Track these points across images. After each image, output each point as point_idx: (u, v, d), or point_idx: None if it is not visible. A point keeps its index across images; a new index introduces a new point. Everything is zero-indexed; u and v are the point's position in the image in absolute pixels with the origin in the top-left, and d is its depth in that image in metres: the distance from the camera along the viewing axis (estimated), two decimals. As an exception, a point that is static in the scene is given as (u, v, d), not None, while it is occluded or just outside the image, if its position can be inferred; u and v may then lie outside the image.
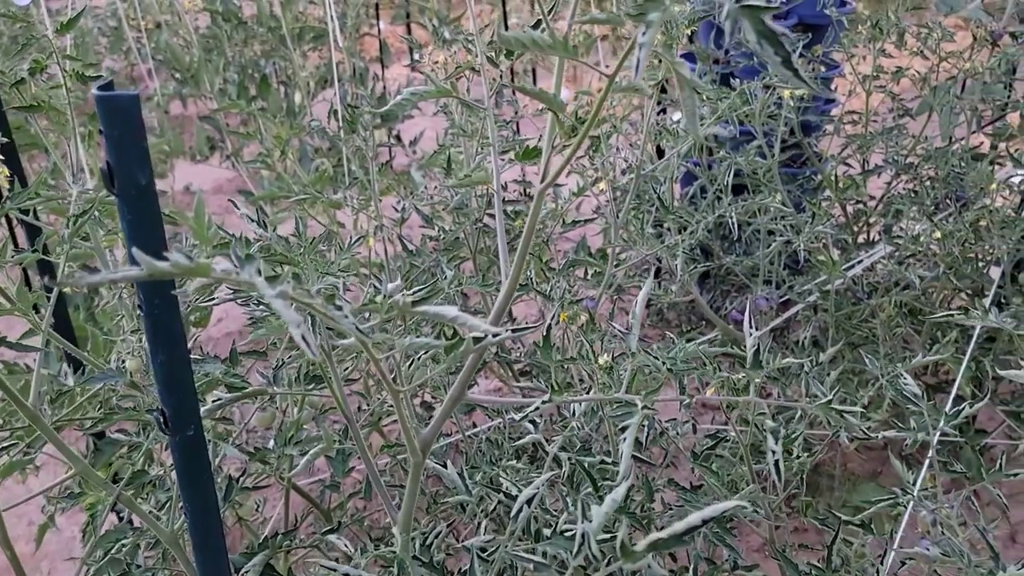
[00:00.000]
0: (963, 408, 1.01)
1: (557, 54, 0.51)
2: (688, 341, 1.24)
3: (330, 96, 3.61)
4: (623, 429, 0.59)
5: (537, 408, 0.66)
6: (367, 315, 0.62)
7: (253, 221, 0.87)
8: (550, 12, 0.68)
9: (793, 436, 0.81)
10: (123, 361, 0.99)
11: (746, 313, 0.93)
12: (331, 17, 1.54)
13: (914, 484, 1.16)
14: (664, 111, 2.44)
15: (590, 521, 0.53)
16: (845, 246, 2.04)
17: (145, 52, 3.46)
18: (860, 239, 2.12)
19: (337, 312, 0.48)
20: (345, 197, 1.42)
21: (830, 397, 0.66)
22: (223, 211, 3.52)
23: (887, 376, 1.08)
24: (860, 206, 2.06)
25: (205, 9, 2.69)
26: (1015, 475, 0.99)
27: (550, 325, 0.66)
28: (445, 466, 0.81)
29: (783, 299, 1.64)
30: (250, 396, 0.79)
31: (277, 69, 3.66)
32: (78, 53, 1.96)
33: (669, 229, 1.53)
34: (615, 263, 1.33)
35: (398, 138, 2.92)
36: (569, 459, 0.79)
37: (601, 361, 0.84)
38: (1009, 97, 2.21)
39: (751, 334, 0.68)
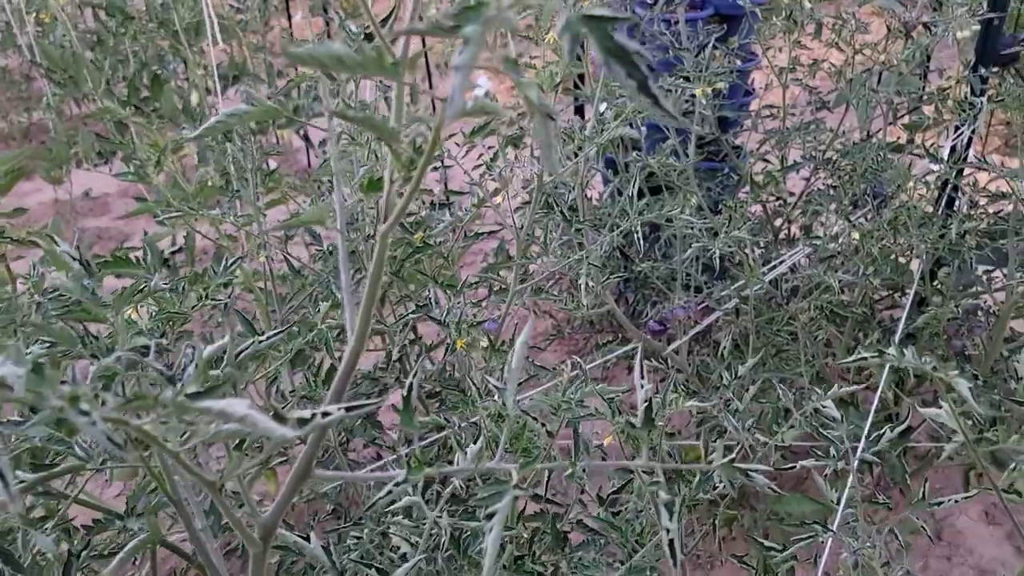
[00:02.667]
0: (883, 432, 0.95)
1: (369, 74, 0.41)
2: (605, 352, 1.14)
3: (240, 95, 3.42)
4: (490, 516, 0.49)
5: (399, 484, 0.56)
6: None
7: (75, 260, 0.74)
8: (388, 18, 0.57)
9: (694, 498, 0.73)
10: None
11: (679, 315, 0.85)
12: (207, 6, 1.40)
13: (838, 502, 1.11)
14: (580, 109, 2.36)
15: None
16: (766, 245, 1.99)
17: (39, 50, 3.22)
18: (782, 235, 2.08)
19: (81, 418, 0.36)
20: (224, 211, 1.29)
21: (730, 457, 0.58)
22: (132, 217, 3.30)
23: (803, 411, 1.01)
24: (780, 203, 2.02)
25: (84, 3, 2.48)
26: (938, 504, 0.94)
27: (411, 387, 0.56)
28: (307, 536, 0.70)
29: (703, 304, 1.57)
30: (60, 474, 0.67)
31: (179, 68, 3.45)
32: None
33: (591, 232, 1.44)
34: (521, 278, 1.24)
35: (306, 139, 2.77)
36: (451, 523, 0.70)
37: (491, 408, 0.74)
38: (923, 89, 2.20)
39: (642, 386, 0.59)
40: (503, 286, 1.25)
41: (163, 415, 0.40)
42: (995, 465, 1.54)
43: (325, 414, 0.48)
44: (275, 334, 0.73)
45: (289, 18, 4.03)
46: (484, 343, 1.08)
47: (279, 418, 0.46)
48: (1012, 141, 3.55)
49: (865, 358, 0.62)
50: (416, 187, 0.48)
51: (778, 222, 2.04)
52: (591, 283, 1.39)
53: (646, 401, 0.56)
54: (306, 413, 0.48)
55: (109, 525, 0.80)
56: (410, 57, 0.48)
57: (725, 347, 1.45)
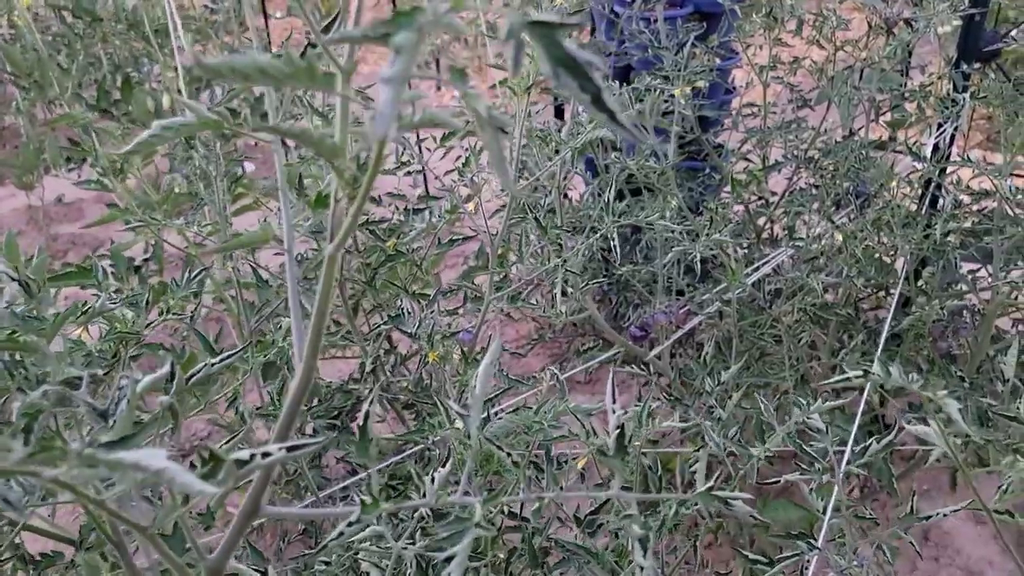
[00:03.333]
0: (869, 445, 0.93)
1: (300, 86, 0.37)
2: (586, 359, 1.11)
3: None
4: (448, 560, 0.46)
5: (352, 525, 0.52)
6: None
7: (14, 280, 0.69)
8: (331, 23, 0.53)
9: (669, 522, 0.69)
10: None
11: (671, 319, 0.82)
12: (170, 6, 1.35)
13: (824, 511, 1.08)
14: (560, 109, 2.32)
15: None
16: (749, 245, 1.96)
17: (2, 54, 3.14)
18: (764, 235, 2.05)
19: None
20: (188, 220, 1.24)
21: (708, 485, 0.54)
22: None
23: (786, 427, 0.98)
24: (762, 203, 1.99)
25: (50, 4, 2.41)
26: (926, 518, 0.91)
27: (367, 414, 0.52)
28: (264, 571, 0.66)
29: (685, 308, 1.54)
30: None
31: (155, 70, 3.37)
32: None
33: (568, 236, 1.41)
34: (497, 286, 1.20)
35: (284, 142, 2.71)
36: (417, 552, 0.66)
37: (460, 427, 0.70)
38: (904, 85, 2.18)
39: (613, 411, 0.55)
40: (478, 294, 1.22)
41: (74, 465, 0.36)
42: (981, 464, 1.52)
43: (265, 455, 0.44)
44: (228, 356, 0.69)
45: (266, 18, 3.96)
46: (458, 355, 1.05)
47: (212, 460, 0.43)
48: (994, 136, 3.55)
49: (849, 377, 0.59)
50: (361, 206, 0.45)
51: (761, 221, 2.01)
52: (570, 289, 1.36)
53: (618, 428, 0.53)
54: (245, 454, 0.44)
55: (57, 560, 0.76)
56: (354, 63, 0.44)
57: (708, 352, 1.42)
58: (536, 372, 2.67)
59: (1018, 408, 1.35)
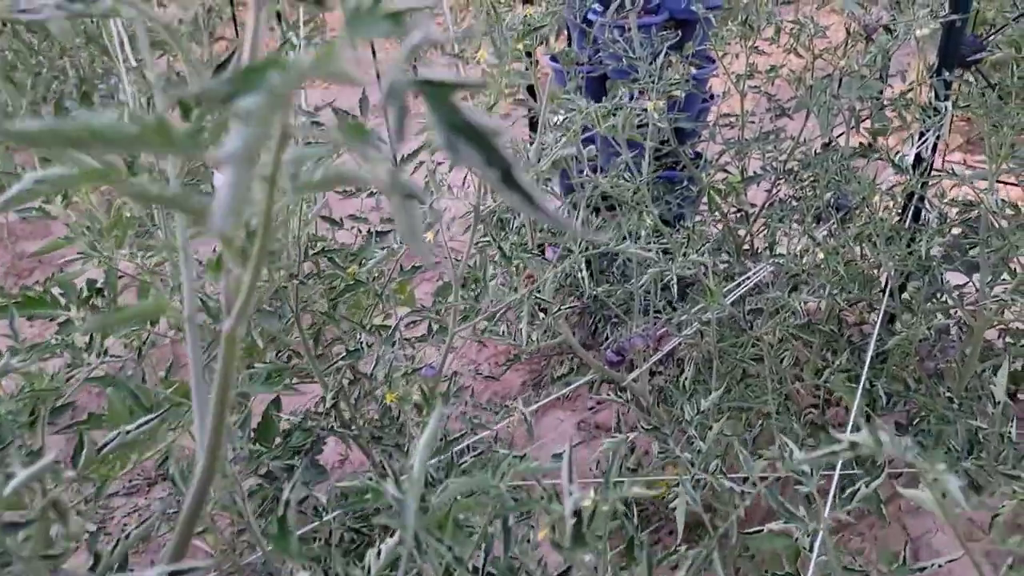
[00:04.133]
0: (858, 489, 0.87)
1: (149, 150, 0.30)
2: (561, 385, 1.04)
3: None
4: None
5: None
6: None
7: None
8: (227, 61, 0.46)
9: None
10: None
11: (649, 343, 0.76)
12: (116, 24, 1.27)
13: (811, 548, 1.02)
14: (532, 123, 2.26)
15: None
16: (729, 260, 1.91)
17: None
18: (745, 247, 1.99)
19: None
20: (131, 250, 1.17)
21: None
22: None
23: (775, 453, 0.92)
24: (741, 215, 1.93)
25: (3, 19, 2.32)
26: (920, 570, 0.85)
27: (287, 503, 0.45)
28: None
29: (663, 330, 1.48)
30: None
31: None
32: None
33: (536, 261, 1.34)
34: (462, 315, 1.13)
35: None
36: None
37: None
38: (881, 93, 2.13)
39: (570, 493, 0.48)
40: (443, 323, 1.15)
41: None
42: (974, 490, 1.46)
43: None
44: (147, 421, 0.62)
45: (237, 31, 3.88)
46: (418, 395, 0.98)
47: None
48: (973, 138, 3.52)
49: (834, 450, 0.53)
50: (255, 278, 0.38)
51: (741, 232, 1.95)
52: (541, 314, 1.29)
53: (575, 514, 0.46)
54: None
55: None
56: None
57: (687, 376, 1.36)
58: (515, 390, 2.61)
59: (1009, 432, 1.30)
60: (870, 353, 1.37)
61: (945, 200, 1.51)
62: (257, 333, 1.11)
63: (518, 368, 2.68)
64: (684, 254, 1.37)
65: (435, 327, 1.17)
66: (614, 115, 1.50)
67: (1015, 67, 1.42)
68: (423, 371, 1.05)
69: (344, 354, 1.09)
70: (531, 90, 2.23)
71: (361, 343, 1.09)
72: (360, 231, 1.41)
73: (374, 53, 2.85)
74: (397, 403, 1.00)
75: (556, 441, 2.48)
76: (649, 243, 1.39)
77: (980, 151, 1.64)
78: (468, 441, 1.36)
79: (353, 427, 1.26)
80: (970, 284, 1.63)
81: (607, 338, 1.61)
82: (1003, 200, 1.39)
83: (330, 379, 1.24)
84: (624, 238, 1.45)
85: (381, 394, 1.04)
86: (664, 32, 1.93)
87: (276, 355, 1.34)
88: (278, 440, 1.26)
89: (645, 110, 1.47)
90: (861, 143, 1.79)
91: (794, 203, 1.75)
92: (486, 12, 1.01)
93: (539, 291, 1.05)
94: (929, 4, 1.60)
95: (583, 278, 1.07)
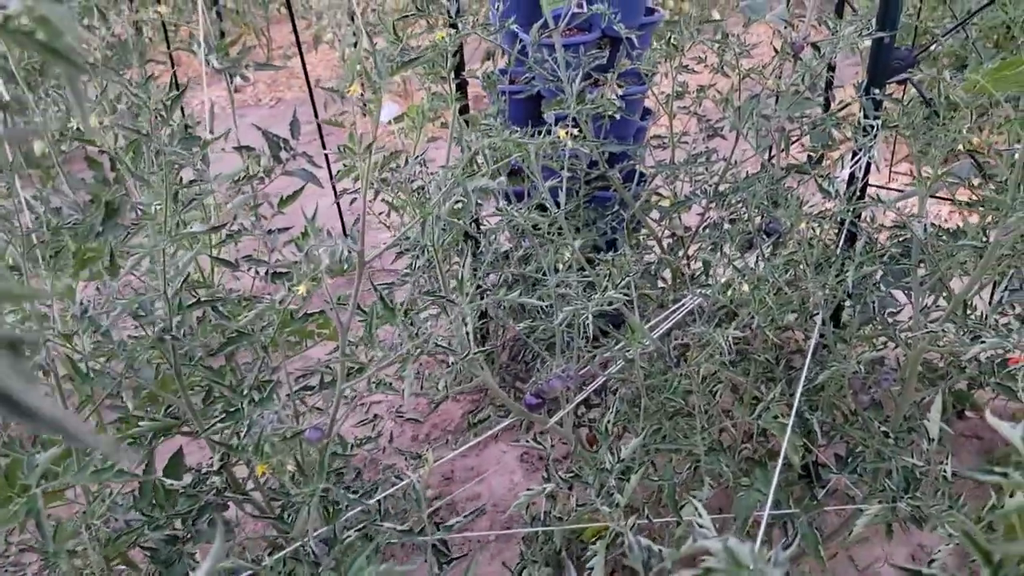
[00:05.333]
0: (790, 543, 0.79)
1: None
2: (478, 431, 0.96)
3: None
4: None
5: None
6: None
7: None
8: None
9: None
10: None
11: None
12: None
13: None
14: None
15: None
16: (663, 288, 1.84)
17: None
18: (680, 271, 1.93)
19: None
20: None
21: None
22: None
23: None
24: (674, 239, 1.87)
25: None
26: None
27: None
28: None
29: (585, 368, 1.40)
30: None
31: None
32: None
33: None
34: (359, 366, 1.04)
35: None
36: None
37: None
38: (828, 106, 2.08)
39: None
40: (332, 376, 1.06)
41: None
42: (915, 523, 1.40)
43: None
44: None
45: (171, 53, 3.75)
46: (292, 465, 0.88)
47: None
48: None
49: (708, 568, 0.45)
50: None
51: (679, 253, 1.89)
52: (451, 360, 1.20)
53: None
54: None
55: None
56: None
57: (609, 419, 1.28)
58: (455, 422, 2.51)
59: (944, 471, 1.24)
60: (800, 388, 1.31)
61: (875, 224, 1.45)
62: (127, 395, 1.01)
63: (458, 399, 2.59)
64: (605, 288, 1.29)
65: (326, 380, 1.08)
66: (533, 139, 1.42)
67: (940, 86, 1.37)
68: (307, 433, 0.96)
69: (224, 415, 1.00)
70: (464, 111, 2.15)
71: (240, 406, 1.00)
72: (257, 273, 1.32)
73: (306, 73, 2.75)
74: (270, 473, 0.91)
75: (499, 474, 2.39)
76: (566, 279, 1.32)
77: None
78: (384, 492, 1.27)
79: (247, 489, 1.16)
80: (908, 306, 1.57)
81: (536, 378, 1.53)
82: (933, 224, 1.34)
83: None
84: (543, 272, 1.37)
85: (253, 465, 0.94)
86: (595, 51, 1.87)
87: (166, 411, 1.23)
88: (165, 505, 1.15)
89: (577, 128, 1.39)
90: (792, 163, 1.73)
91: (728, 225, 1.69)
92: (365, 38, 0.93)
93: (436, 342, 0.97)
94: (857, 20, 1.55)
95: (468, 333, 0.99)
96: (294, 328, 1.11)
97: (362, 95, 0.96)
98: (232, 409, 0.99)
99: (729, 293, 1.30)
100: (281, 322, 1.10)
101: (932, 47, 2.25)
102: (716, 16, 4.66)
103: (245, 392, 0.98)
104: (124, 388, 1.02)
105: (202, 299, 1.08)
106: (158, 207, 1.01)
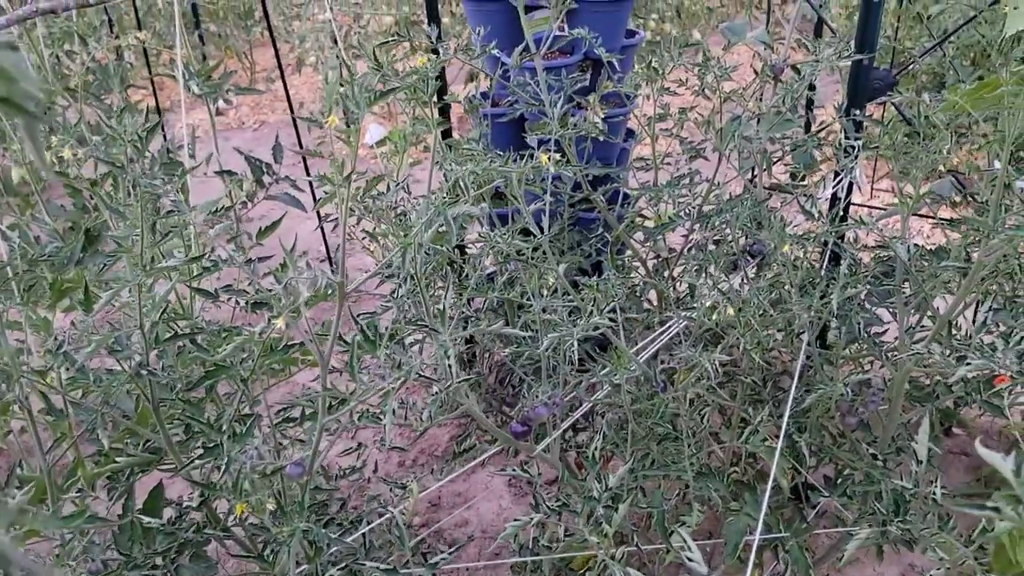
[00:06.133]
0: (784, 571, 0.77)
1: None
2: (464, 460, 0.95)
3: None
4: None
5: None
6: None
7: None
8: None
9: None
10: None
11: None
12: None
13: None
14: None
15: None
16: (648, 310, 1.83)
17: None
18: (665, 293, 1.92)
19: None
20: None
21: None
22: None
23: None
24: (659, 260, 1.86)
25: None
26: None
27: None
28: None
29: (572, 395, 1.39)
30: None
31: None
32: None
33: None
34: (341, 398, 1.02)
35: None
36: None
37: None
38: (809, 127, 2.09)
39: None
40: (313, 409, 1.04)
41: None
42: (906, 545, 1.39)
43: None
44: None
45: (152, 78, 3.74)
46: (272, 504, 0.86)
47: None
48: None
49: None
50: None
51: (664, 275, 1.88)
52: (434, 388, 1.19)
53: None
54: None
55: None
56: None
57: (596, 446, 1.26)
58: (442, 447, 2.49)
59: (933, 494, 1.23)
60: (787, 411, 1.30)
61: (858, 245, 1.45)
62: (103, 433, 0.99)
63: (445, 424, 2.56)
64: (590, 313, 1.28)
65: (307, 413, 1.06)
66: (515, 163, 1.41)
67: (920, 106, 1.38)
68: (288, 469, 0.94)
69: (203, 451, 0.97)
70: (446, 134, 2.15)
71: (219, 442, 0.98)
72: (238, 304, 1.30)
73: (288, 96, 2.74)
74: (250, 511, 0.88)
75: (487, 499, 2.37)
76: (551, 304, 1.31)
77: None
78: (371, 525, 1.24)
79: (228, 525, 1.14)
80: (893, 325, 1.57)
81: (523, 404, 1.51)
82: (916, 246, 1.34)
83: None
84: (527, 296, 1.36)
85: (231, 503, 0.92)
86: (577, 75, 1.87)
87: (144, 446, 1.21)
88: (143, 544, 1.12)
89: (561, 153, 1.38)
90: (774, 184, 1.74)
91: (713, 246, 1.68)
92: (344, 66, 0.92)
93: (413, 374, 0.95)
94: (837, 42, 1.56)
95: (451, 366, 0.97)
96: (275, 359, 1.09)
97: (344, 123, 0.95)
98: (211, 445, 0.97)
99: (715, 316, 1.29)
100: (261, 354, 1.09)
101: (911, 66, 2.27)
102: (697, 36, 4.70)
103: (224, 428, 0.96)
104: (100, 425, 1.00)
105: (180, 332, 1.06)
106: (135, 239, 0.99)
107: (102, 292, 1.24)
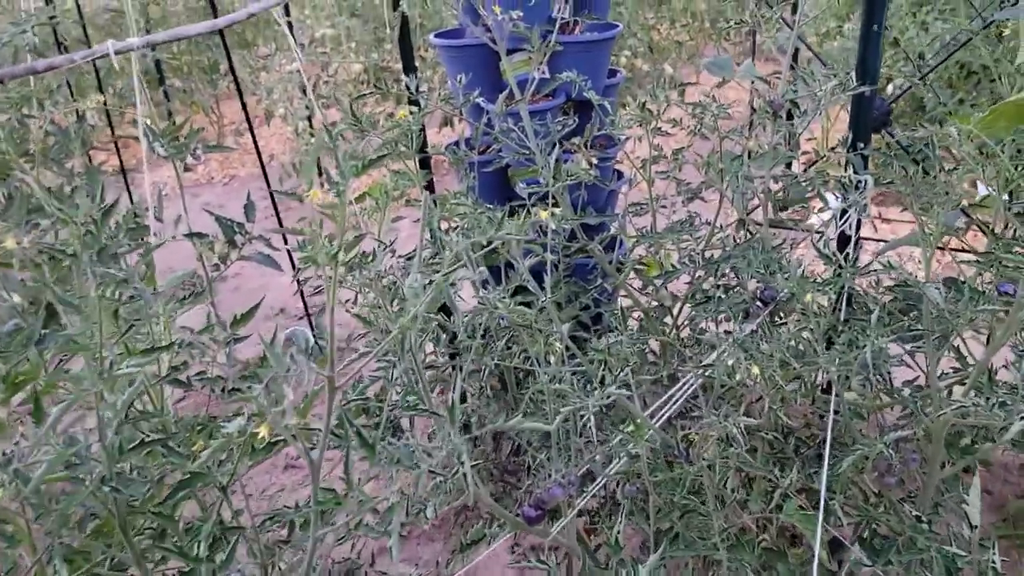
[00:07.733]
0: None
1: None
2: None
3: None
4: None
5: None
6: None
7: None
8: None
9: None
10: None
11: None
12: None
13: None
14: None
15: None
16: (656, 361, 1.73)
17: None
18: (672, 339, 1.82)
19: None
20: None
21: None
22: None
23: None
24: (663, 309, 1.76)
25: None
26: None
27: None
28: None
29: (586, 469, 1.27)
30: None
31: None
32: None
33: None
34: (334, 501, 0.89)
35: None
36: None
37: None
38: (790, 165, 2.01)
39: None
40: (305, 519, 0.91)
41: None
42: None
43: None
44: None
45: (115, 139, 3.62)
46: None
47: None
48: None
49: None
50: None
51: (667, 322, 1.77)
52: (438, 479, 1.07)
53: None
54: None
55: None
56: None
57: (618, 529, 1.14)
58: (443, 516, 2.34)
59: (992, 562, 1.12)
60: (823, 478, 1.19)
61: (880, 289, 1.36)
62: (60, 563, 0.85)
63: (447, 513, 2.42)
64: (602, 380, 1.17)
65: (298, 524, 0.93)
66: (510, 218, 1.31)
67: (934, 140, 1.30)
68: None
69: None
70: (429, 186, 2.05)
71: (200, 568, 0.85)
72: (213, 391, 1.17)
73: (258, 150, 2.63)
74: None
75: (488, 569, 2.22)
76: (559, 371, 1.19)
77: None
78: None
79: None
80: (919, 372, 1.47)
81: (531, 487, 1.39)
82: (946, 286, 1.25)
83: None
84: (532, 361, 1.25)
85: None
86: (562, 118, 1.78)
87: (111, 564, 1.07)
88: None
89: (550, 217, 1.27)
90: (775, 220, 1.65)
91: (720, 295, 1.58)
92: (323, 137, 0.81)
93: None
94: (834, 75, 1.48)
95: (466, 470, 0.86)
96: (257, 458, 0.97)
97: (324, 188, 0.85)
98: (186, 570, 0.84)
99: (738, 377, 1.19)
100: (242, 454, 0.96)
101: (904, 93, 2.21)
102: (669, 70, 4.67)
103: (201, 546, 0.83)
104: (56, 554, 0.86)
105: (148, 438, 0.93)
106: (91, 337, 0.87)
107: (61, 389, 1.11)
